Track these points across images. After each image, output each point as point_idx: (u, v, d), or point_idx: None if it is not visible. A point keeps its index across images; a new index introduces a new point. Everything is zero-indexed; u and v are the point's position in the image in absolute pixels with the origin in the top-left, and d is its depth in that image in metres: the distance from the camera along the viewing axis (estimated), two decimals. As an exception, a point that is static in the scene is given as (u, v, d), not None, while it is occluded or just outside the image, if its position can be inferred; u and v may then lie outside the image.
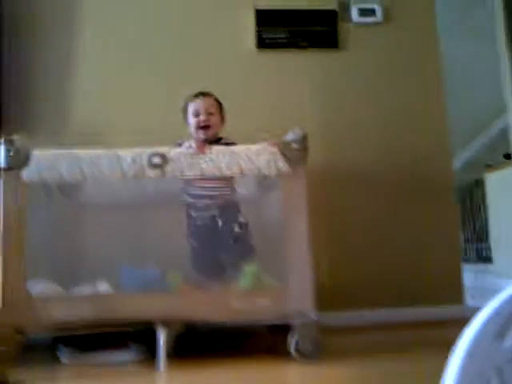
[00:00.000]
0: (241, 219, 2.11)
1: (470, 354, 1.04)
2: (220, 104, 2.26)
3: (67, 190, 2.13)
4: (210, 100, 2.23)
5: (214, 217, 2.10)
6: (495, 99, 4.77)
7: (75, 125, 2.58)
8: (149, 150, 1.88)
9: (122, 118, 2.61)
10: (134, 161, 1.86)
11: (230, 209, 2.13)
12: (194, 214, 2.12)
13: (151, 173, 1.87)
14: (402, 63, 2.86)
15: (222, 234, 2.10)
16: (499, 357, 1.05)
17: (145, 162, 1.87)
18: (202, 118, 2.18)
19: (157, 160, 1.87)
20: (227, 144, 2.10)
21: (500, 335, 1.06)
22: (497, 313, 1.07)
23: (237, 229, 2.09)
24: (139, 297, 1.85)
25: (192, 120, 2.21)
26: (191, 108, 2.22)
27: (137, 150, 1.88)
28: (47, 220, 2.10)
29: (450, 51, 3.68)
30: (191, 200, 2.12)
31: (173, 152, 1.90)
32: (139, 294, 1.86)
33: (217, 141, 2.16)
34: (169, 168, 1.88)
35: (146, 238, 2.20)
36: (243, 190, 2.18)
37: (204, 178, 1.99)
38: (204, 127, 2.18)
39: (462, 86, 5.01)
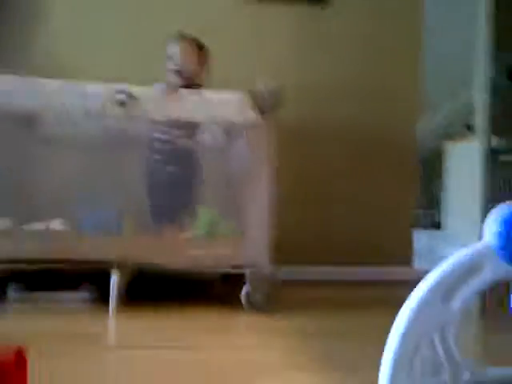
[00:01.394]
0: (195, 167, 2.07)
1: (416, 317, 1.08)
2: (202, 50, 2.17)
3: (25, 120, 2.03)
4: (191, 45, 2.14)
5: (169, 161, 2.07)
6: (466, 70, 4.83)
7: (40, 53, 2.45)
8: (115, 86, 1.81)
9: (92, 55, 2.50)
10: (98, 95, 1.79)
11: (187, 155, 2.08)
12: (154, 156, 2.08)
13: (115, 111, 1.80)
14: (383, 27, 2.83)
15: (175, 179, 2.06)
16: (444, 317, 1.09)
17: (109, 98, 1.80)
18: (176, 62, 2.10)
19: (123, 97, 1.81)
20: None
21: (447, 298, 1.10)
22: (445, 276, 1.11)
23: (190, 175, 2.05)
24: (93, 238, 1.83)
25: (169, 64, 2.12)
26: (168, 51, 2.13)
27: (103, 85, 1.80)
28: (2, 150, 2.02)
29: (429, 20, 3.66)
30: (153, 143, 2.07)
31: (140, 91, 1.83)
32: (94, 235, 1.83)
33: (195, 87, 2.08)
34: (134, 107, 1.81)
35: (106, 179, 2.15)
36: (208, 136, 2.13)
37: (168, 123, 1.95)
38: (178, 72, 2.10)
39: (435, 55, 5.03)
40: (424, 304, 1.08)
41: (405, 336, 1.06)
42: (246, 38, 2.67)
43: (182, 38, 2.15)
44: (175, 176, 2.06)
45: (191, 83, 2.11)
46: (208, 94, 1.89)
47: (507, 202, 1.20)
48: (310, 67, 2.74)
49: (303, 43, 2.75)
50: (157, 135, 2.06)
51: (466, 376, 1.09)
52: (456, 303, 1.10)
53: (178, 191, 2.06)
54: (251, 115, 1.88)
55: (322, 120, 2.73)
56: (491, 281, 1.15)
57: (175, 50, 2.11)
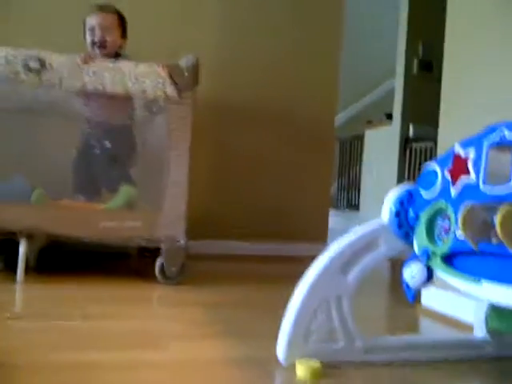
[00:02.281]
0: (106, 144, 2.04)
1: (316, 284, 1.15)
2: (121, 19, 2.12)
3: None
4: (108, 15, 2.08)
5: (95, 136, 2.03)
6: (386, 63, 5.03)
7: None
8: (27, 52, 1.74)
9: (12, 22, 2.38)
10: (8, 61, 1.71)
11: (107, 133, 2.05)
12: (82, 129, 2.05)
13: (27, 77, 1.74)
14: (307, 8, 2.88)
15: (99, 155, 2.03)
16: (340, 288, 1.17)
17: (21, 64, 1.73)
18: (96, 35, 2.04)
19: (35, 64, 1.74)
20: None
21: (344, 269, 1.18)
22: (345, 248, 1.18)
23: (98, 152, 2.03)
24: (1, 206, 1.76)
25: (88, 36, 2.06)
26: (88, 22, 2.06)
27: (13, 51, 1.73)
28: None
29: (352, 7, 3.78)
30: (85, 114, 2.03)
31: (53, 58, 1.77)
32: (1, 203, 1.77)
33: (115, 57, 2.04)
34: (47, 74, 1.76)
35: (15, 146, 2.07)
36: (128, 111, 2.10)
37: (95, 97, 1.92)
38: (99, 45, 2.04)
39: (359, 45, 5.20)
40: (323, 272, 1.15)
41: (304, 300, 1.12)
42: (170, 11, 2.63)
43: (101, 8, 2.09)
44: (106, 150, 2.03)
45: (113, 55, 2.06)
46: (126, 66, 1.85)
47: (405, 183, 1.29)
48: (231, 41, 2.75)
49: (228, 21, 2.75)
50: (86, 107, 2.01)
51: (359, 344, 1.18)
52: (352, 275, 1.18)
53: (107, 166, 2.04)
54: (171, 91, 1.87)
55: (243, 96, 2.76)
56: (386, 256, 1.25)
57: (95, 21, 2.06)
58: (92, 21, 2.06)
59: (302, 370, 1.05)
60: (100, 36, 2.04)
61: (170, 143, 1.90)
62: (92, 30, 2.05)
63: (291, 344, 1.12)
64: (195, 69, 1.92)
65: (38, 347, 1.13)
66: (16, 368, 1.00)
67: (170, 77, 1.88)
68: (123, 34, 2.13)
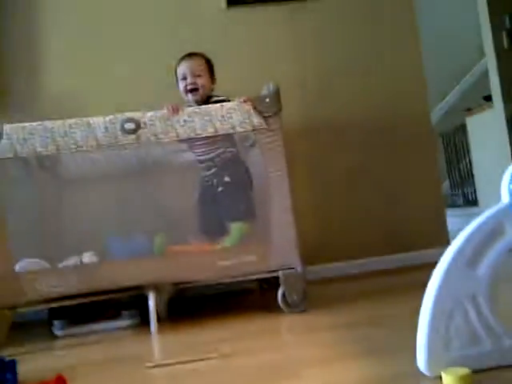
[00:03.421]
0: (226, 178, 2.09)
1: (444, 285, 1.07)
2: (209, 63, 2.21)
3: (45, 163, 2.11)
4: (197, 61, 2.18)
5: (212, 176, 2.10)
6: (473, 46, 4.76)
7: (47, 98, 2.53)
8: (121, 116, 1.86)
9: (95, 87, 2.56)
10: (106, 128, 1.85)
11: (223, 167, 2.10)
12: (201, 173, 2.13)
13: (125, 139, 1.86)
14: (377, 9, 2.81)
15: (214, 194, 2.09)
16: (473, 285, 1.08)
17: (118, 128, 1.85)
18: (188, 81, 2.14)
19: (130, 125, 1.86)
20: (218, 101, 2.03)
21: (471, 264, 1.09)
22: (466, 243, 1.09)
23: (220, 188, 2.08)
24: (125, 263, 1.87)
25: (180, 84, 2.17)
26: (179, 72, 2.18)
27: (109, 117, 1.86)
28: (30, 195, 2.10)
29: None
30: (199, 163, 2.12)
31: (146, 116, 1.88)
32: (125, 261, 1.88)
33: (207, 100, 2.12)
34: (142, 133, 1.86)
35: (131, 206, 2.20)
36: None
37: (200, 143, 2.01)
38: (191, 90, 2.14)
39: (440, 38, 4.99)
40: (449, 272, 1.07)
41: (435, 305, 1.05)
42: (240, 45, 2.68)
43: (189, 56, 2.19)
44: (211, 190, 2.09)
45: (205, 98, 2.14)
46: (212, 107, 1.92)
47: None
48: (309, 62, 2.73)
49: (297, 39, 2.74)
50: (195, 156, 2.11)
51: (507, 343, 1.07)
52: (482, 269, 1.08)
53: (216, 204, 2.09)
54: (258, 122, 1.90)
55: (331, 113, 2.71)
56: (517, 242, 1.13)
57: (185, 69, 2.15)
58: (183, 68, 2.16)
59: (449, 381, 0.97)
60: (191, 81, 2.14)
61: (268, 171, 1.91)
62: (184, 77, 2.15)
63: (432, 353, 1.04)
64: (276, 95, 1.94)
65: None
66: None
67: (254, 108, 1.91)
68: (212, 77, 2.21)
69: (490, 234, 1.10)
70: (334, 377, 1.13)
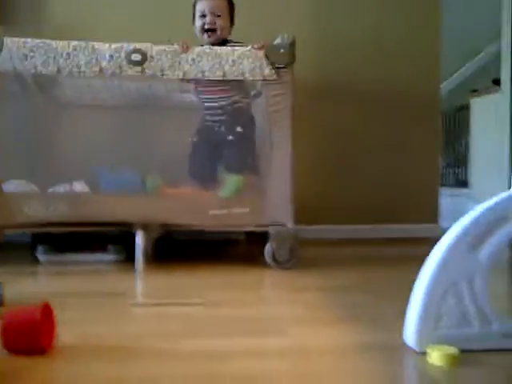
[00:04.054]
0: (238, 128, 2.02)
1: (444, 264, 1.06)
2: (231, 3, 2.09)
3: (43, 84, 2.03)
4: (220, 0, 2.06)
5: (219, 123, 2.03)
6: (490, 25, 4.65)
7: (52, 18, 2.42)
8: (128, 46, 1.78)
9: (103, 15, 2.46)
10: (112, 56, 1.76)
11: (234, 116, 2.03)
12: (204, 117, 2.06)
13: (130, 70, 1.78)
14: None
15: (221, 141, 2.03)
16: (472, 267, 1.07)
17: (123, 57, 1.77)
18: (207, 19, 2.02)
19: (136, 57, 1.78)
20: (234, 46, 1.94)
21: (474, 247, 1.07)
22: (472, 225, 1.08)
23: (230, 137, 2.01)
24: (117, 198, 1.83)
25: (197, 21, 2.05)
26: (198, 7, 2.05)
27: (115, 45, 1.77)
28: (23, 115, 2.02)
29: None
30: (203, 107, 2.05)
31: (154, 49, 1.80)
32: (117, 196, 1.84)
33: (223, 43, 2.03)
34: (149, 66, 1.78)
35: (127, 140, 2.15)
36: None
37: (211, 88, 1.94)
38: (209, 30, 2.03)
39: (458, 11, 4.85)
40: (451, 251, 1.06)
41: (432, 282, 1.04)
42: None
43: None
44: (218, 135, 2.03)
45: (221, 40, 2.04)
46: (223, 50, 1.84)
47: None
48: (327, 21, 2.65)
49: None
50: (203, 96, 2.03)
51: (495, 328, 1.08)
52: (484, 253, 1.07)
53: (230, 155, 2.03)
54: (268, 71, 1.84)
55: (342, 75, 2.65)
56: (520, 230, 1.12)
57: (206, 6, 2.03)
58: (203, 5, 2.04)
59: (436, 357, 0.97)
60: (211, 21, 2.03)
61: (272, 124, 1.86)
62: (202, 15, 2.04)
63: (421, 329, 1.04)
64: (291, 46, 1.86)
65: (162, 334, 1.14)
66: (143, 354, 1.02)
67: (267, 57, 1.84)
68: (231, 19, 2.10)
69: (495, 220, 1.08)
70: (320, 339, 1.12)
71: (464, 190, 4.46)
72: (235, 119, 2.02)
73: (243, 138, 2.01)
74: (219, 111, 2.02)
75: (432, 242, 1.10)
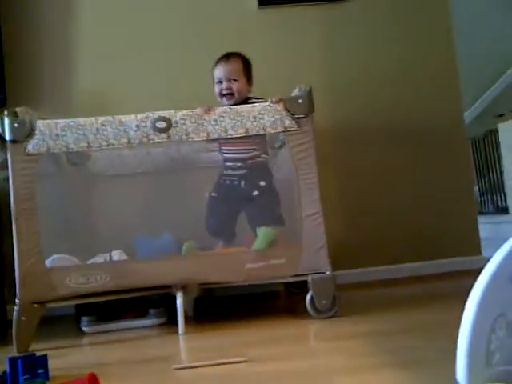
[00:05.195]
0: (261, 183, 2.04)
1: (486, 297, 1.02)
2: (246, 64, 2.14)
3: (76, 160, 2.12)
4: (234, 64, 2.11)
5: (239, 177, 2.06)
6: (507, 50, 4.65)
7: (80, 95, 2.55)
8: (152, 114, 1.85)
9: (127, 86, 2.58)
10: (138, 127, 1.84)
11: (255, 171, 2.07)
12: (224, 172, 2.09)
13: (156, 138, 1.85)
14: (410, 13, 2.77)
15: (243, 195, 2.05)
16: (516, 298, 1.04)
17: (149, 126, 1.84)
18: (223, 85, 2.09)
19: (161, 125, 1.85)
20: (255, 103, 1.97)
21: (516, 276, 1.04)
22: (510, 255, 1.05)
23: (255, 192, 2.03)
24: (154, 262, 1.86)
25: (216, 88, 2.12)
26: (215, 75, 2.12)
27: (141, 116, 1.85)
28: (59, 191, 2.11)
29: (460, 2, 3.56)
30: (224, 161, 2.09)
31: (177, 115, 1.87)
32: (154, 260, 1.87)
33: (244, 102, 2.06)
34: (174, 132, 1.85)
35: (160, 206, 2.20)
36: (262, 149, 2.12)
37: (233, 142, 1.97)
38: (227, 94, 2.09)
39: (472, 40, 4.88)
40: (493, 282, 1.02)
41: (477, 316, 1.01)
42: (270, 45, 2.66)
43: (227, 58, 2.13)
44: (239, 191, 2.05)
45: (242, 101, 2.08)
46: (244, 108, 1.90)
47: None
48: (340, 64, 2.71)
49: (330, 41, 2.71)
50: (225, 154, 2.07)
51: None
52: (528, 281, 1.04)
53: (242, 206, 2.05)
54: (289, 123, 1.88)
55: (362, 116, 2.68)
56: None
57: (221, 72, 2.10)
58: (218, 72, 2.11)
59: (492, 397, 0.93)
60: (227, 87, 2.08)
61: (298, 173, 1.88)
62: (219, 81, 2.10)
63: (472, 368, 1.00)
64: (309, 96, 1.91)
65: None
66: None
67: (286, 109, 1.89)
68: (249, 79, 2.14)
69: (535, 247, 1.05)
70: (368, 387, 1.10)
71: (505, 217, 4.34)
72: (256, 173, 2.05)
73: (267, 191, 2.03)
74: (240, 164, 2.06)
75: (476, 274, 1.08)
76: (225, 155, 2.08)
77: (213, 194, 2.10)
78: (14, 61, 2.52)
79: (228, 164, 2.09)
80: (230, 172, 2.08)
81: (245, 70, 2.13)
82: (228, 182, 2.08)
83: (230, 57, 2.12)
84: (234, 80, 2.09)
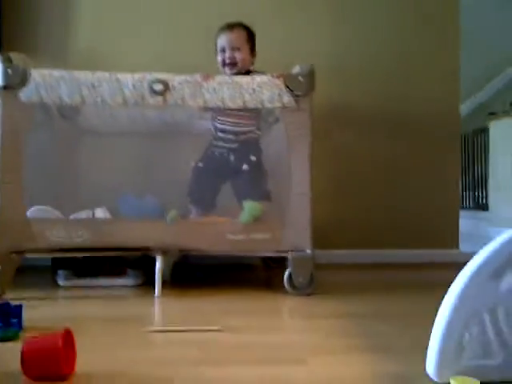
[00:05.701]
0: (251, 157, 2.04)
1: (465, 293, 1.05)
2: (250, 34, 2.13)
3: (67, 113, 2.08)
4: (237, 33, 2.09)
5: (229, 150, 2.05)
6: (507, 48, 4.65)
7: (77, 48, 2.50)
8: (150, 76, 1.82)
9: (126, 44, 2.53)
10: (134, 86, 1.81)
11: (246, 146, 2.06)
12: (214, 143, 2.08)
13: (152, 100, 1.82)
14: (419, 6, 2.74)
15: (231, 168, 2.05)
16: (493, 298, 1.06)
17: (146, 88, 1.81)
18: (226, 54, 2.07)
19: (158, 87, 1.82)
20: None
21: (496, 277, 1.07)
22: (494, 255, 1.07)
23: (245, 166, 2.03)
24: (137, 224, 1.86)
25: (219, 56, 2.10)
26: (218, 43, 2.11)
27: (138, 76, 1.82)
28: (47, 143, 2.07)
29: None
30: (217, 132, 2.07)
31: (175, 79, 1.84)
32: (137, 222, 1.86)
33: (246, 74, 2.05)
34: (170, 96, 1.83)
35: (147, 168, 2.18)
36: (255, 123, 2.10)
37: (229, 113, 1.96)
38: (230, 64, 2.07)
39: (476, 35, 4.86)
40: (472, 282, 1.05)
41: (453, 312, 1.03)
42: (276, 17, 2.63)
43: (230, 27, 2.10)
44: (240, 161, 2.04)
45: (244, 72, 2.08)
46: (243, 79, 1.88)
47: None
48: (345, 46, 2.69)
49: (335, 20, 2.69)
50: (219, 124, 2.06)
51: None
52: (505, 284, 1.07)
53: (236, 176, 2.05)
54: (287, 99, 1.86)
55: (360, 99, 2.68)
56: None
57: (224, 41, 2.08)
58: (221, 41, 2.09)
59: (458, 389, 0.96)
60: (230, 55, 2.07)
61: (291, 152, 1.88)
62: (222, 50, 2.09)
63: (443, 360, 1.03)
64: (310, 75, 1.90)
65: (180, 360, 1.15)
66: (161, 380, 1.02)
67: (286, 85, 1.87)
68: (252, 50, 2.13)
69: (516, 251, 1.08)
70: (339, 368, 1.12)
71: (483, 213, 4.42)
72: (247, 148, 2.05)
73: (257, 166, 2.03)
74: (232, 137, 2.05)
75: (452, 267, 1.10)
76: (219, 125, 2.06)
77: (199, 165, 2.09)
78: (10, 8, 2.44)
79: (220, 135, 2.07)
80: (220, 143, 2.07)
81: (249, 40, 2.12)
82: (217, 153, 2.07)
83: (234, 26, 2.11)
84: (238, 49, 2.08)
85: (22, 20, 2.48)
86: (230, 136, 2.05)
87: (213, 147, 2.09)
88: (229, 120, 2.03)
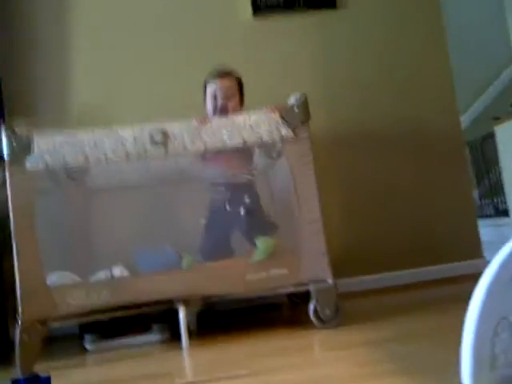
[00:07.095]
0: (246, 200, 2.04)
1: (489, 298, 1.02)
2: (240, 84, 2.15)
3: (75, 174, 2.11)
4: (230, 82, 2.11)
5: (224, 201, 2.05)
6: (501, 53, 4.67)
7: (77, 106, 2.54)
8: (149, 127, 1.84)
9: (124, 96, 2.57)
10: (135, 139, 1.83)
11: (238, 191, 2.06)
12: (212, 197, 2.09)
13: (154, 150, 1.84)
14: (404, 19, 2.79)
15: (231, 217, 2.05)
16: (520, 300, 1.03)
17: (147, 139, 1.83)
18: (219, 103, 2.08)
19: (158, 137, 1.84)
20: None
21: (517, 278, 1.04)
22: (511, 256, 1.04)
23: (242, 211, 2.03)
24: (155, 277, 1.85)
25: (209, 103, 2.11)
26: (209, 89, 2.11)
27: (137, 128, 1.84)
28: (58, 207, 2.10)
29: (452, 6, 3.58)
30: (211, 184, 2.09)
31: (174, 126, 1.86)
32: (155, 275, 1.86)
33: None
34: (171, 144, 1.85)
35: (159, 217, 2.20)
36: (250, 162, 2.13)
37: (217, 159, 1.97)
38: (221, 112, 2.07)
39: (467, 42, 4.91)
40: (494, 285, 1.02)
41: (479, 320, 1.00)
42: (265, 54, 2.66)
43: (222, 75, 2.12)
44: (236, 207, 2.04)
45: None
46: (240, 118, 1.90)
47: None
48: (338, 72, 2.71)
49: (326, 48, 2.73)
50: (210, 177, 2.07)
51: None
52: (529, 282, 1.03)
53: (239, 222, 2.05)
54: (285, 131, 1.88)
55: (358, 123, 2.68)
56: None
57: (217, 89, 2.09)
58: (214, 88, 2.10)
59: (498, 400, 0.92)
60: (223, 104, 2.08)
61: (296, 181, 1.88)
62: (214, 96, 2.10)
63: (476, 372, 0.99)
64: (304, 104, 1.91)
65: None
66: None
67: (282, 117, 1.89)
68: (241, 99, 2.15)
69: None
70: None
71: (505, 219, 4.34)
72: (240, 193, 2.04)
73: (252, 205, 2.03)
74: (222, 188, 2.05)
75: (479, 277, 1.07)
76: (210, 175, 2.07)
77: (203, 221, 2.08)
78: (9, 68, 2.50)
79: (213, 188, 2.08)
80: (216, 197, 2.07)
81: (238, 89, 2.14)
82: (215, 208, 2.07)
83: (226, 74, 2.12)
84: (229, 98, 2.09)
85: (21, 78, 2.52)
86: (221, 187, 2.06)
87: (212, 201, 2.09)
88: (216, 166, 2.04)
